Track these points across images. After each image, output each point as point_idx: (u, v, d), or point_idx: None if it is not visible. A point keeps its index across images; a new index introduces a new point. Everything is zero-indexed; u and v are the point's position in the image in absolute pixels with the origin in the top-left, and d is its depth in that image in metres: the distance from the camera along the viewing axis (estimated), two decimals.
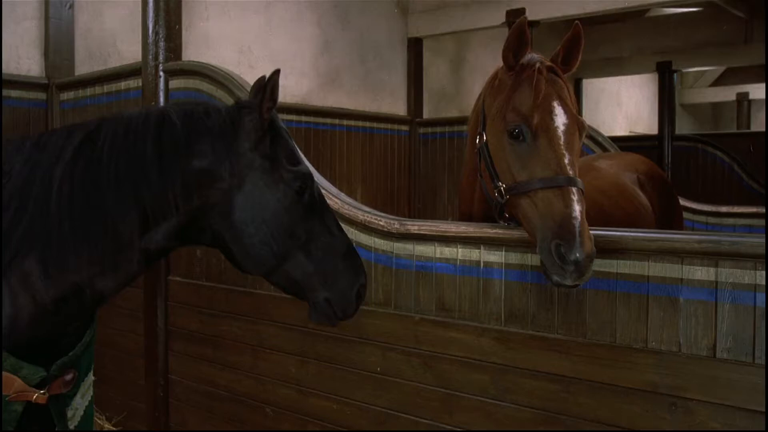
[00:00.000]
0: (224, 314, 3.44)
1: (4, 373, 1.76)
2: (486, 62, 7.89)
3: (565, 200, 2.14)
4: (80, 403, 2.01)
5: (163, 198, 1.81)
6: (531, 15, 6.01)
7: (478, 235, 2.53)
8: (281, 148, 1.94)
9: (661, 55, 8.43)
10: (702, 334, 2.06)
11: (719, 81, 12.75)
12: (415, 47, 6.96)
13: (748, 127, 11.85)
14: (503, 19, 6.15)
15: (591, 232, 2.12)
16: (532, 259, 2.40)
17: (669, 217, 3.85)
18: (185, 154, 1.83)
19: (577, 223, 2.07)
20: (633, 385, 2.18)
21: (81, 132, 1.84)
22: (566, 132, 2.29)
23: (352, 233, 2.87)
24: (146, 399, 3.83)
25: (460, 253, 2.58)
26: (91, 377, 2.05)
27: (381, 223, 2.78)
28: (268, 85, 1.90)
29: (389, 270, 2.78)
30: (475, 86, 7.87)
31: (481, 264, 2.52)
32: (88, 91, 4.40)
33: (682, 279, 2.09)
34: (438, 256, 2.64)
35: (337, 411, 2.96)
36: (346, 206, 2.91)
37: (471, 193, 2.73)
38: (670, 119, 8.09)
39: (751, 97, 11.99)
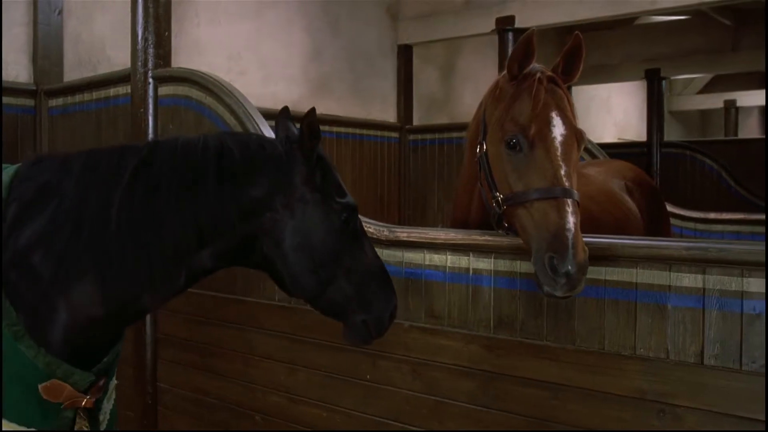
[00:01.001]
0: (214, 322, 3.43)
1: (55, 381, 1.82)
2: (476, 69, 7.91)
3: (559, 212, 2.14)
4: (107, 406, 2.07)
5: (220, 222, 1.88)
6: (521, 22, 6.04)
7: (467, 242, 2.54)
8: (330, 181, 2.01)
9: (650, 62, 8.48)
10: (690, 340, 2.07)
11: (707, 88, 12.83)
12: (405, 54, 6.97)
13: (736, 134, 11.93)
14: (493, 26, 6.16)
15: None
16: (521, 267, 2.40)
17: (657, 224, 3.87)
18: (243, 183, 1.90)
19: (570, 235, 2.08)
20: (622, 391, 2.19)
21: (134, 156, 1.89)
22: (564, 143, 2.29)
23: None
24: (134, 407, 3.81)
25: (449, 260, 2.58)
26: (114, 381, 2.11)
27: (370, 230, 2.78)
28: (305, 122, 1.95)
29: None
30: (464, 93, 7.89)
31: (470, 271, 2.53)
32: (77, 98, 4.38)
33: (670, 286, 2.10)
34: (427, 263, 2.64)
35: (326, 419, 2.95)
36: None
37: (468, 200, 2.73)
38: (658, 126, 8.13)
39: (738, 104, 12.09)
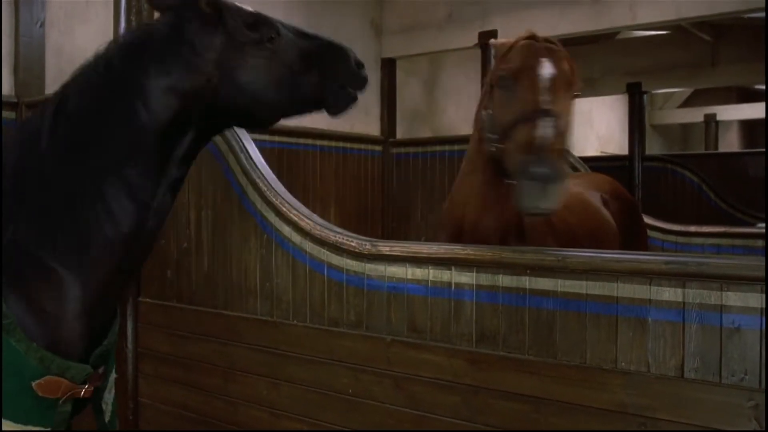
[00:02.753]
0: (195, 336, 3.41)
1: (51, 378, 1.77)
2: (459, 83, 7.95)
3: (535, 129, 2.30)
4: (109, 397, 2.02)
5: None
6: (503, 36, 6.07)
7: (449, 256, 2.54)
8: (232, 23, 2.00)
9: (632, 76, 8.56)
10: (670, 354, 2.08)
11: (687, 102, 12.97)
12: (388, 67, 7.00)
13: (716, 148, 12.04)
14: (476, 40, 6.20)
15: (562, 252, 2.14)
16: (503, 281, 2.41)
17: (633, 236, 3.92)
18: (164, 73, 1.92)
19: (543, 143, 2.24)
20: (603, 405, 2.19)
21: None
22: (550, 80, 2.45)
23: (324, 254, 2.87)
24: None
25: (431, 274, 2.59)
26: (114, 374, 2.06)
27: (353, 243, 2.78)
28: None
29: (361, 291, 2.77)
30: (448, 107, 7.93)
31: (453, 285, 2.53)
32: None
33: (650, 300, 2.11)
34: (409, 277, 2.64)
35: None
36: (318, 227, 2.91)
37: (468, 187, 2.83)
38: (640, 140, 8.20)
39: (718, 118, 12.21)
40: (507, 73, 2.52)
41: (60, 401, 1.79)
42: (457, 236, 2.89)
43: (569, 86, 2.54)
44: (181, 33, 1.94)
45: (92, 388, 1.87)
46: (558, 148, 2.30)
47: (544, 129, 2.32)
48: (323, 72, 2.07)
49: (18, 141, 1.95)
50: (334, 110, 2.12)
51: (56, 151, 1.85)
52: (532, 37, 2.65)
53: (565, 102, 2.51)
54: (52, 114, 1.90)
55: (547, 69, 2.50)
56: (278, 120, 2.14)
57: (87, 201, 1.82)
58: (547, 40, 2.65)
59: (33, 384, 1.75)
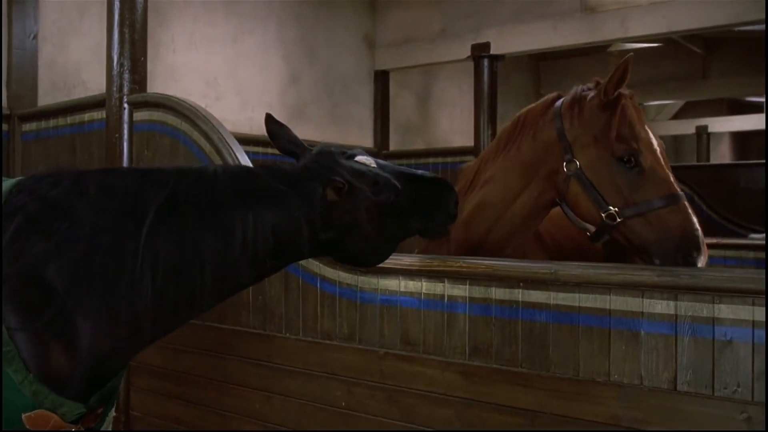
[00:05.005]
0: (188, 349, 3.39)
1: (42, 412, 1.72)
2: (452, 95, 7.98)
3: (685, 215, 2.44)
4: None
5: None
6: (496, 49, 6.12)
7: (442, 268, 2.54)
8: (359, 195, 1.96)
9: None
10: (663, 367, 2.08)
11: (679, 114, 13.03)
12: (381, 80, 7.02)
13: (708, 160, 12.08)
14: (468, 53, 6.24)
15: (554, 265, 2.15)
16: (496, 293, 2.41)
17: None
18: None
19: (699, 234, 2.41)
20: (596, 417, 2.19)
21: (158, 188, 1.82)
22: (663, 154, 2.59)
23: (317, 267, 2.86)
24: None
25: (424, 286, 2.59)
26: (113, 412, 2.01)
27: None
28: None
29: (354, 304, 2.77)
30: (440, 119, 7.95)
31: (446, 298, 2.53)
32: (51, 123, 4.35)
33: (643, 312, 2.12)
34: (402, 289, 2.64)
35: None
36: None
37: (500, 213, 2.81)
38: None
39: (710, 130, 12.26)
40: (628, 149, 2.53)
41: None
42: (465, 252, 2.86)
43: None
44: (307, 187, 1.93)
45: (83, 429, 1.81)
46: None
47: (695, 217, 2.45)
48: (427, 211, 2.11)
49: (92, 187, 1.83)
50: (429, 238, 2.24)
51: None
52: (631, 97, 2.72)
53: None
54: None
55: (657, 140, 2.66)
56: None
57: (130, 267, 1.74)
58: (632, 95, 2.73)
59: (23, 416, 1.70)
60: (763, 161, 9.24)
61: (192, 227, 1.78)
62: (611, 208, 2.52)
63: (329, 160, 1.98)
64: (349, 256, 2.08)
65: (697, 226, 2.42)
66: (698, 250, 2.38)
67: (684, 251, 2.38)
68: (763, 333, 1.91)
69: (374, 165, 2.03)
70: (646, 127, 2.61)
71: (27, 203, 1.73)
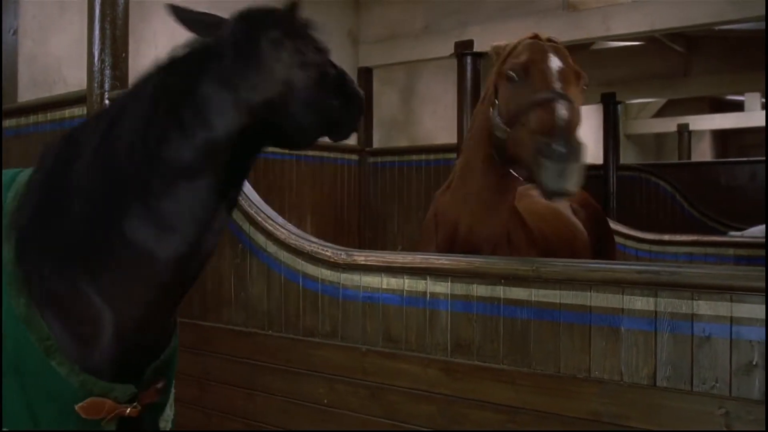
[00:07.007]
0: None
1: (95, 399, 1.71)
2: (436, 92, 7.98)
3: (554, 110, 2.31)
4: (169, 414, 1.96)
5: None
6: (479, 47, 6.12)
7: (424, 265, 2.55)
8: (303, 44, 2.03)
9: (606, 86, 8.64)
10: (643, 363, 2.09)
11: (661, 112, 13.11)
12: (365, 77, 7.00)
13: (689, 158, 12.17)
14: (452, 50, 6.23)
15: (536, 261, 2.15)
16: (478, 290, 2.42)
17: (603, 244, 3.98)
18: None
19: (563, 123, 2.25)
20: (577, 414, 2.20)
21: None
22: (560, 72, 2.48)
23: (299, 264, 2.86)
24: None
25: (406, 283, 2.59)
26: (173, 390, 2.00)
27: (328, 253, 2.78)
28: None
29: (336, 301, 2.77)
30: (424, 116, 7.95)
31: (428, 295, 2.53)
32: (31, 119, 4.31)
33: (623, 309, 2.13)
34: (384, 286, 2.64)
35: None
36: (293, 237, 2.90)
37: (464, 191, 2.84)
38: (614, 149, 8.27)
39: (691, 128, 12.35)
40: (517, 66, 2.53)
41: (104, 422, 1.73)
42: (450, 242, 2.87)
43: (579, 78, 2.57)
44: (251, 48, 1.90)
45: (139, 407, 1.78)
46: (576, 128, 2.31)
47: (563, 109, 2.32)
48: (344, 99, 2.08)
49: (61, 150, 1.85)
50: (339, 137, 2.14)
51: (106, 162, 1.76)
52: (536, 37, 2.69)
53: (577, 91, 2.54)
54: (107, 123, 1.81)
55: (557, 60, 2.54)
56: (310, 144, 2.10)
57: (138, 218, 1.72)
58: (549, 40, 2.69)
59: (76, 407, 1.69)
60: (743, 159, 9.36)
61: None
62: (504, 127, 2.54)
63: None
64: (279, 129, 1.95)
65: (561, 114, 2.31)
66: (554, 134, 2.24)
67: (542, 139, 2.25)
68: (740, 328, 1.93)
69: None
70: (551, 53, 2.57)
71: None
